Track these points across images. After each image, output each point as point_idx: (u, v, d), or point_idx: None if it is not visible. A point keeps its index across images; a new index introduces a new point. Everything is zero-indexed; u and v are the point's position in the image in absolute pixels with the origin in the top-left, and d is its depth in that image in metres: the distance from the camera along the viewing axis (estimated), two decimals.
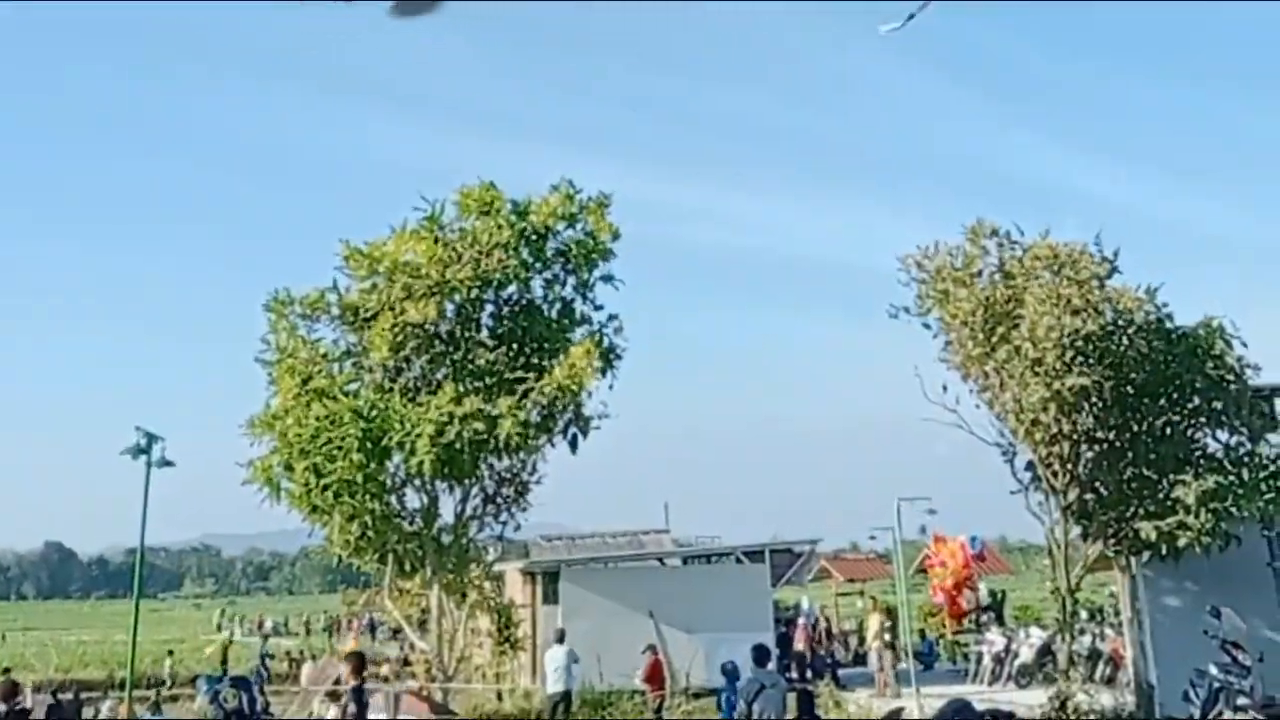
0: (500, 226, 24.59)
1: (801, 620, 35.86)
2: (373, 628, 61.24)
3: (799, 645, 34.31)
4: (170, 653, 42.78)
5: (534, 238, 24.97)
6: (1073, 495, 25.26)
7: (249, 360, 24.31)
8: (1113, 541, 25.15)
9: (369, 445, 22.13)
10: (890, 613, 31.03)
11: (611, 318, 25.25)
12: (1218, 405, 25.16)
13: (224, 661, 40.35)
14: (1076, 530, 25.86)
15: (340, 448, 22.10)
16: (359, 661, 15.97)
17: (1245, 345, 25.34)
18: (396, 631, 32.31)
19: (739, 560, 32.58)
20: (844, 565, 52.33)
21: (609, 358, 24.53)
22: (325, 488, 22.52)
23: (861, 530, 39.13)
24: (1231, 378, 25.02)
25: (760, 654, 16.13)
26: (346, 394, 23.05)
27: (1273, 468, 24.45)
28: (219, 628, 70.60)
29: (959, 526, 42.44)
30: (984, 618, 40.07)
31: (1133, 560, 25.73)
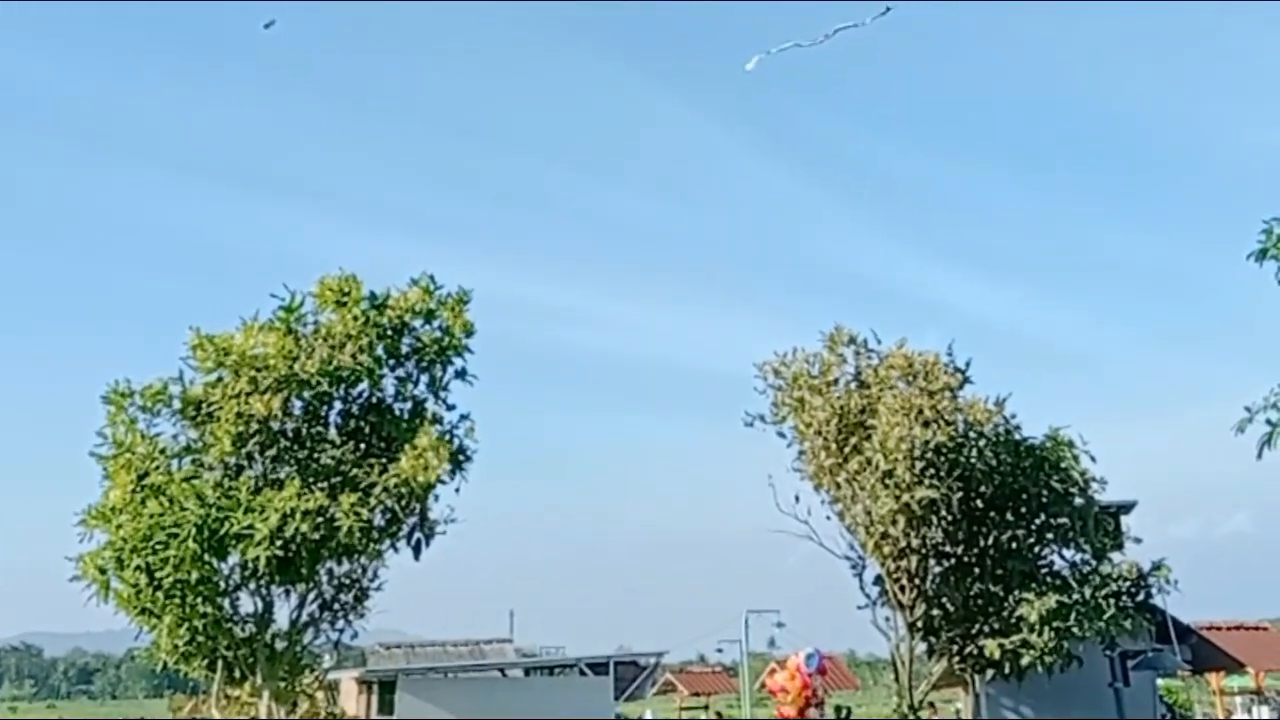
0: (355, 319, 24.06)
1: None
2: None
3: None
4: None
5: (389, 333, 24.46)
6: (919, 611, 25.37)
7: (80, 454, 23.31)
8: (957, 659, 25.28)
9: (206, 536, 21.28)
10: None
11: (463, 417, 24.79)
12: (1063, 521, 25.53)
13: None
14: (922, 646, 25.96)
15: (176, 535, 21.20)
16: None
17: (1094, 459, 25.81)
18: None
19: (583, 672, 32.08)
20: (690, 678, 52.05)
21: (459, 459, 24.02)
22: (157, 588, 21.59)
23: (709, 642, 38.88)
24: (1076, 492, 25.45)
25: None
26: (184, 488, 22.18)
27: (1114, 586, 24.79)
28: None
29: (807, 640, 42.40)
30: None
31: (977, 678, 25.88)
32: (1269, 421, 17.87)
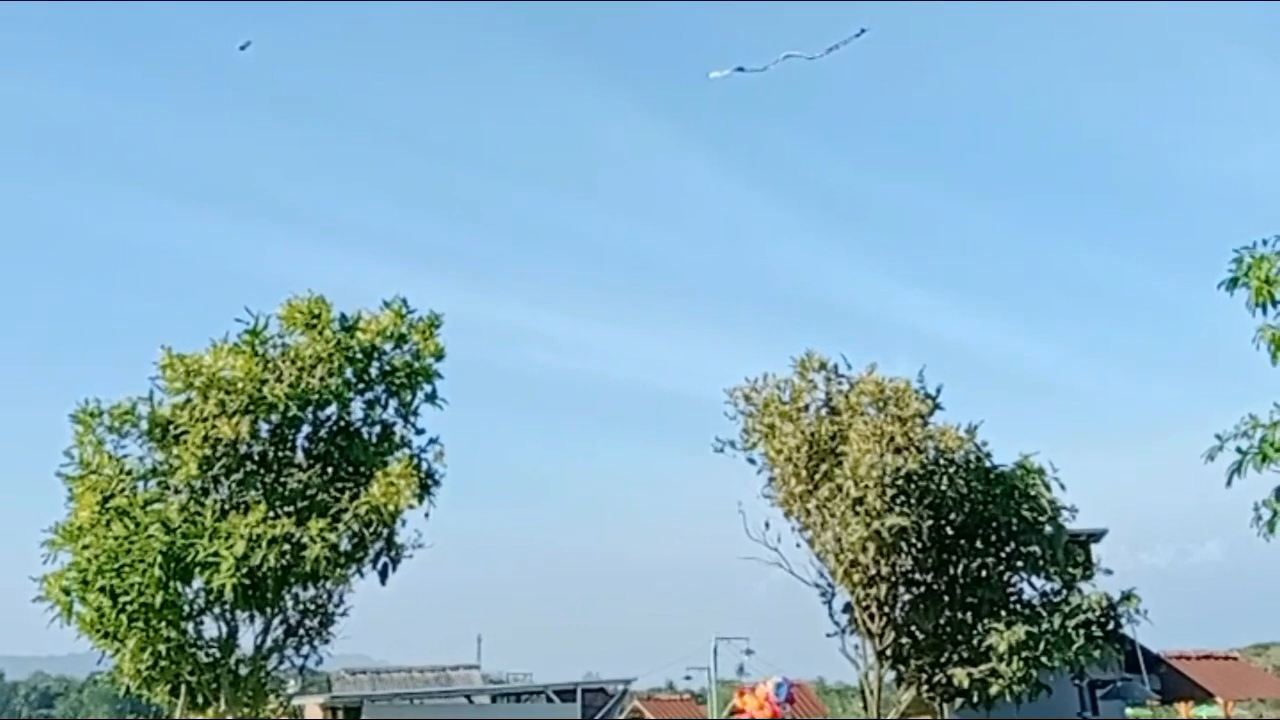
0: (325, 342, 23.88)
1: None
2: None
3: None
4: None
5: (359, 357, 24.29)
6: (888, 639, 25.31)
7: (46, 473, 23.08)
8: (926, 687, 25.22)
9: (171, 563, 21.05)
10: None
11: (432, 441, 24.62)
12: (1033, 550, 25.52)
13: None
14: (891, 675, 25.88)
15: (141, 561, 20.97)
16: None
17: (1064, 487, 25.83)
18: None
19: (550, 699, 31.87)
20: (657, 706, 51.64)
21: (427, 484, 23.85)
22: (120, 611, 21.33)
23: (677, 669, 38.74)
24: (1046, 520, 25.44)
25: None
26: (149, 512, 21.94)
27: (1083, 616, 24.79)
28: None
29: (776, 667, 42.28)
30: None
31: (945, 707, 25.82)
32: (1239, 449, 17.96)
